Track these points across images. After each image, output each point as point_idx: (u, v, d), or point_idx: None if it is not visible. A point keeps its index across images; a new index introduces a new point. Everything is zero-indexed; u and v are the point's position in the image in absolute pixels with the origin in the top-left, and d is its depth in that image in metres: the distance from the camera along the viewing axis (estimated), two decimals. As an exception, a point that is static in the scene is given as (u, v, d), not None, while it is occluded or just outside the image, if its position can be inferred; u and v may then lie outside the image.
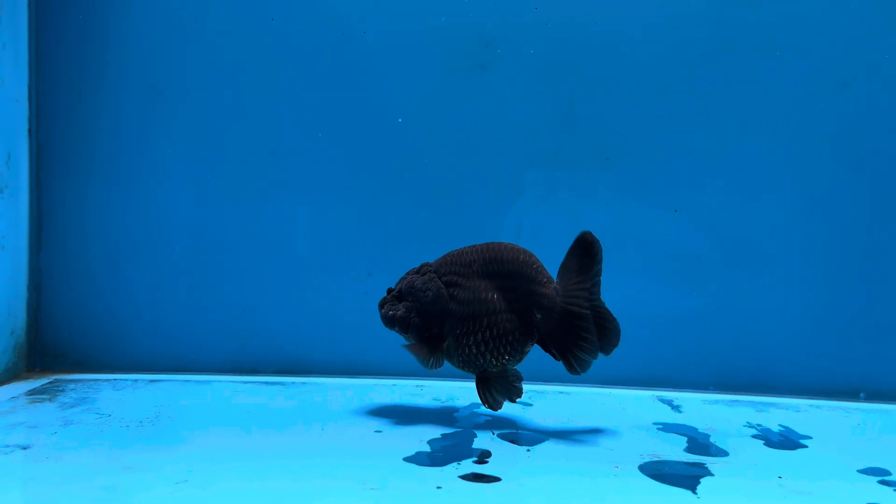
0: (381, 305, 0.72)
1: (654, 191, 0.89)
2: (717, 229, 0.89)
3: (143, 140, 0.89)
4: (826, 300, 0.88)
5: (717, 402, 0.85)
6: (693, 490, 0.56)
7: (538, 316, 0.66)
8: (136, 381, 0.84)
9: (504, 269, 0.68)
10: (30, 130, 0.87)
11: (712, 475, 0.60)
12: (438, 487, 0.55)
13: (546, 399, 0.83)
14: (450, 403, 0.79)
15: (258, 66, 0.89)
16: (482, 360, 0.68)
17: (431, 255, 0.73)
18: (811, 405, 0.85)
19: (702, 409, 0.82)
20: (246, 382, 0.85)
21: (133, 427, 0.67)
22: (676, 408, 0.81)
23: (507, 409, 0.73)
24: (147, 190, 0.89)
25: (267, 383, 0.85)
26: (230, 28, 0.89)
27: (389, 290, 0.73)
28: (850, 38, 0.87)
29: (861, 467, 0.63)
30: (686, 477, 0.59)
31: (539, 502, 0.53)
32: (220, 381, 0.85)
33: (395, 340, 0.74)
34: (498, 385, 0.69)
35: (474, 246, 0.70)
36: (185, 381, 0.84)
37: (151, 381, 0.84)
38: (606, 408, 0.80)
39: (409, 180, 0.89)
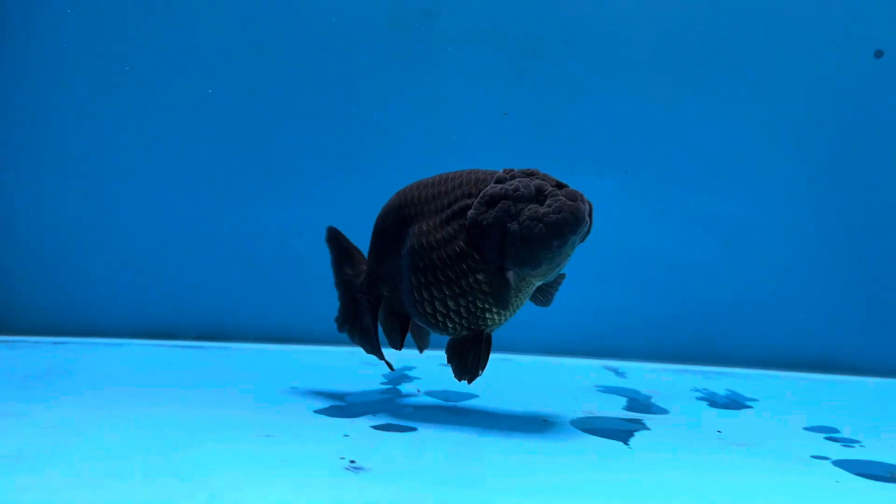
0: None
1: (601, 157, 0.85)
2: (674, 209, 0.85)
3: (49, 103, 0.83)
4: (784, 277, 0.84)
5: (665, 370, 0.81)
6: (625, 442, 0.51)
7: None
8: (36, 342, 0.77)
9: None
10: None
11: (648, 429, 0.55)
12: (346, 435, 0.49)
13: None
14: (380, 368, 0.74)
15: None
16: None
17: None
18: (764, 374, 0.81)
19: (648, 375, 0.78)
20: (162, 346, 0.79)
21: (17, 381, 0.60)
22: (622, 374, 0.77)
23: (442, 372, 0.68)
24: (51, 151, 0.83)
25: (185, 347, 0.79)
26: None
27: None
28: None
29: (808, 426, 0.59)
30: (620, 431, 0.54)
31: (447, 448, 0.48)
32: (133, 345, 0.79)
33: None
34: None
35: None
36: (93, 343, 0.78)
37: (54, 343, 0.78)
38: (548, 373, 0.76)
39: (348, 140, 0.84)
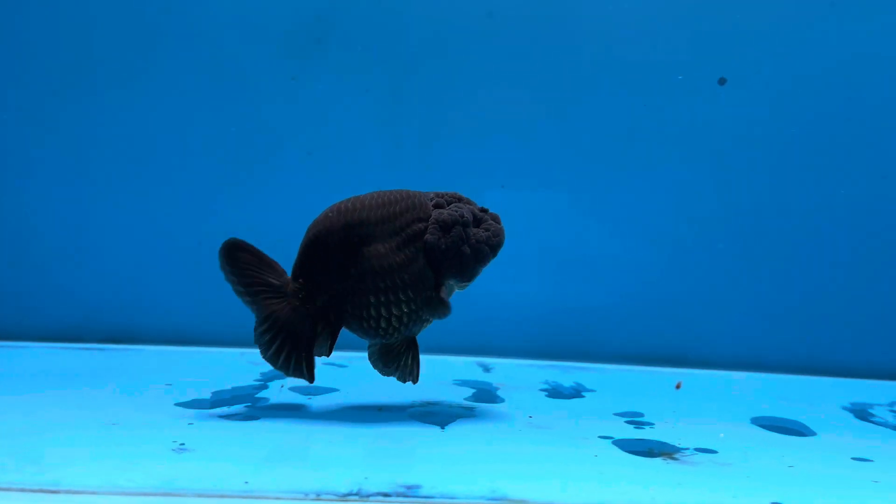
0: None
1: (484, 170, 0.93)
2: (553, 208, 0.93)
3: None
4: (651, 280, 0.93)
5: (531, 366, 0.89)
6: (442, 427, 0.59)
7: None
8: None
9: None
10: None
11: (473, 416, 0.63)
12: (190, 423, 0.57)
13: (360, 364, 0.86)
14: (264, 367, 0.81)
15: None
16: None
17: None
18: (623, 370, 0.90)
19: (512, 370, 0.86)
20: (64, 349, 0.86)
21: None
22: (489, 370, 0.85)
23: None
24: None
25: (86, 349, 0.86)
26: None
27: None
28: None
29: (620, 411, 0.68)
30: (447, 415, 0.62)
31: (277, 435, 0.55)
32: (33, 348, 0.85)
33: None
34: None
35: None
36: (-1, 347, 0.85)
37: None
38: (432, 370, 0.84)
39: (240, 157, 0.92)
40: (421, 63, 0.92)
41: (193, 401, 0.64)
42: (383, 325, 0.61)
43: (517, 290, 0.93)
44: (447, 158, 0.93)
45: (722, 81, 0.91)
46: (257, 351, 0.61)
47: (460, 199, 0.63)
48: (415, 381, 0.63)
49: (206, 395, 0.67)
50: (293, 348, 0.61)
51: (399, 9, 0.91)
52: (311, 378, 0.61)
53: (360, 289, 0.60)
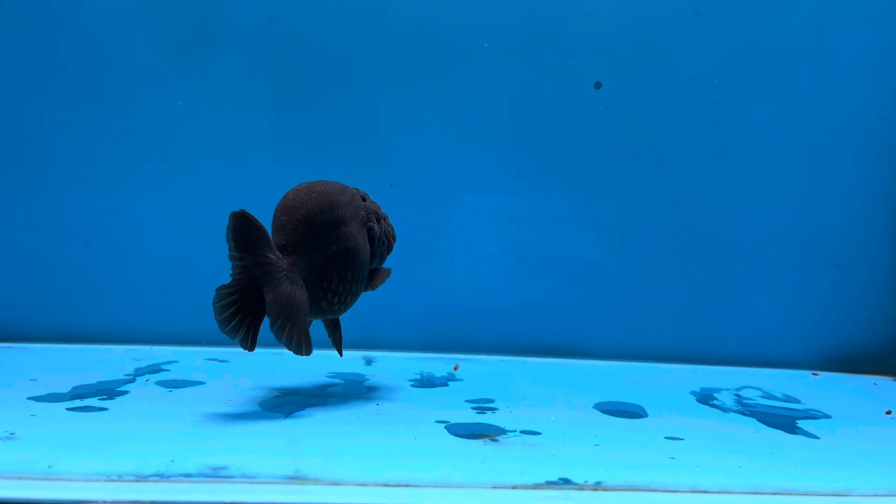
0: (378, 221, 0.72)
1: (369, 170, 0.95)
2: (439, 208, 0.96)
3: None
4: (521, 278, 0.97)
5: (416, 358, 0.92)
6: (286, 416, 0.62)
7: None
8: None
9: None
10: None
11: (322, 405, 0.65)
12: (32, 415, 0.58)
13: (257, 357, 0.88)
14: (144, 362, 0.83)
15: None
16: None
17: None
18: (501, 360, 0.93)
19: (394, 363, 0.88)
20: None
21: None
22: (371, 363, 0.87)
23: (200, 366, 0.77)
24: None
25: (-32, 348, 0.87)
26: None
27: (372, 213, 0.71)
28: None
29: (472, 398, 0.71)
30: (296, 404, 0.65)
31: (113, 426, 0.57)
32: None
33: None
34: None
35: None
36: None
37: None
38: (298, 365, 0.85)
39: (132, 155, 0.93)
40: (309, 65, 0.94)
41: (50, 394, 0.66)
42: (336, 301, 0.66)
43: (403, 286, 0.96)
44: (338, 159, 0.95)
45: (598, 85, 0.94)
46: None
47: (364, 196, 0.71)
48: (340, 354, 0.73)
49: (66, 388, 0.68)
50: (302, 325, 0.61)
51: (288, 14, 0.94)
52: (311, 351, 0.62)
53: (332, 265, 0.65)
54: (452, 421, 0.62)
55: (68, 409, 0.61)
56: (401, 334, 0.96)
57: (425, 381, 0.78)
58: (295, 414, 0.62)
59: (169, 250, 0.93)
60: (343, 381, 0.77)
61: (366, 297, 0.94)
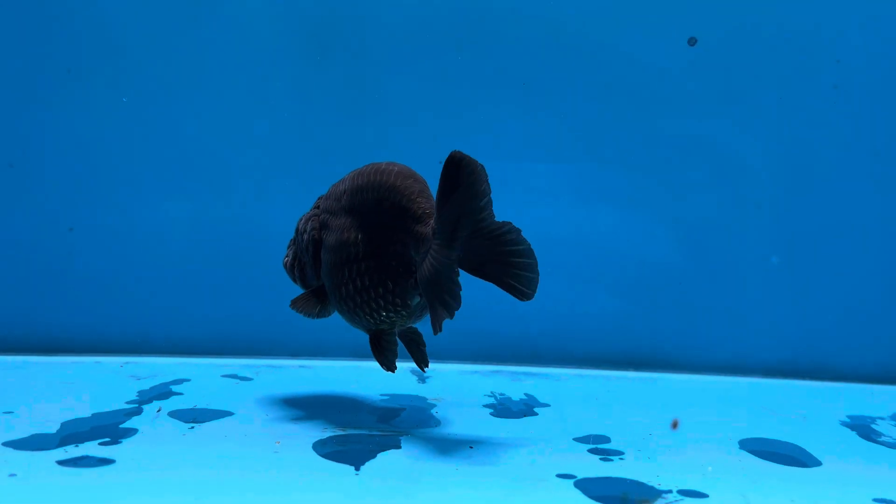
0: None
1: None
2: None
3: None
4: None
5: (475, 372, 0.76)
6: (356, 468, 0.46)
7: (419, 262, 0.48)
8: None
9: (370, 200, 0.51)
10: None
11: (397, 448, 0.50)
12: (12, 475, 0.42)
13: (283, 372, 0.72)
14: (148, 381, 0.66)
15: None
16: (359, 318, 0.53)
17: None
18: (581, 375, 0.78)
19: (452, 378, 0.73)
20: None
21: None
22: (424, 379, 0.72)
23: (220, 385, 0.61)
24: None
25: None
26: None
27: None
28: None
29: (580, 435, 0.55)
30: (363, 452, 0.49)
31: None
32: None
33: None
34: (389, 344, 0.55)
35: (354, 170, 0.54)
36: None
37: None
38: (344, 379, 0.70)
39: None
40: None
41: (33, 438, 0.49)
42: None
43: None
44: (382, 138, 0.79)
45: (692, 41, 0.79)
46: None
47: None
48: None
49: (53, 427, 0.51)
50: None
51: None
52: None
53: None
54: (580, 475, 0.46)
55: (59, 463, 0.44)
56: (453, 344, 0.80)
57: (503, 408, 0.63)
58: (366, 464, 0.46)
59: (170, 246, 0.77)
60: (405, 407, 0.61)
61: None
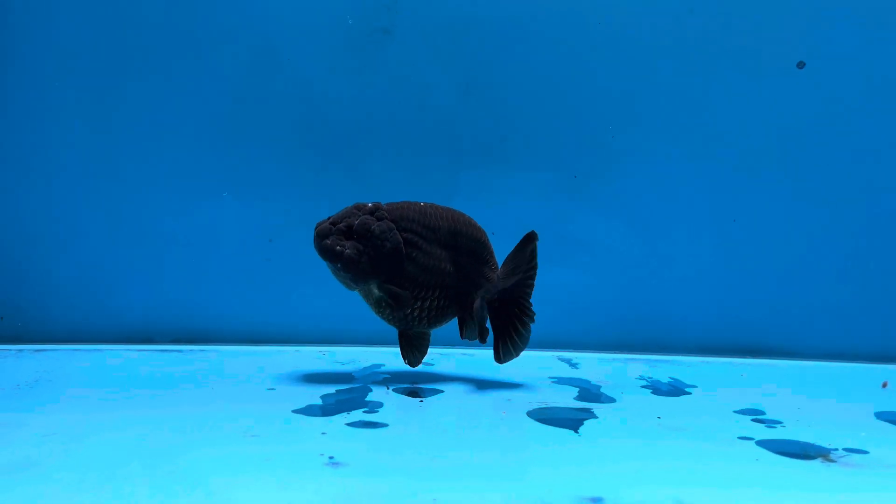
0: (324, 235, 0.64)
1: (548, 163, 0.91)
2: (624, 216, 0.91)
3: None
4: (720, 273, 0.92)
5: (614, 360, 0.87)
6: (575, 430, 0.57)
7: (476, 297, 0.69)
8: (20, 350, 0.80)
9: (465, 245, 0.69)
10: None
11: (596, 417, 0.61)
12: (323, 433, 0.54)
13: (449, 360, 0.83)
14: (351, 366, 0.79)
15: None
16: (416, 323, 0.69)
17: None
18: (702, 361, 0.88)
19: (598, 365, 0.84)
20: (141, 351, 0.83)
21: (9, 390, 0.64)
22: (574, 365, 0.83)
23: (408, 370, 0.73)
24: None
25: (163, 351, 0.83)
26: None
27: (332, 220, 0.65)
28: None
29: (738, 408, 0.66)
30: (571, 420, 0.60)
31: (420, 445, 0.53)
32: (112, 350, 0.82)
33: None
34: (419, 343, 0.71)
35: (436, 208, 0.68)
36: (74, 350, 0.81)
37: (36, 350, 0.81)
38: (507, 366, 0.81)
39: (312, 147, 0.89)
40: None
41: (308, 406, 0.61)
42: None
43: (589, 284, 0.91)
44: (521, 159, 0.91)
45: (801, 65, 0.89)
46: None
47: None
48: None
49: (314, 398, 0.64)
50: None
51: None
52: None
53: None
54: (757, 437, 0.57)
55: (349, 425, 0.57)
56: (593, 335, 0.91)
57: (655, 386, 0.74)
58: (582, 428, 0.58)
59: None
60: (578, 389, 0.72)
61: (562, 299, 0.91)
